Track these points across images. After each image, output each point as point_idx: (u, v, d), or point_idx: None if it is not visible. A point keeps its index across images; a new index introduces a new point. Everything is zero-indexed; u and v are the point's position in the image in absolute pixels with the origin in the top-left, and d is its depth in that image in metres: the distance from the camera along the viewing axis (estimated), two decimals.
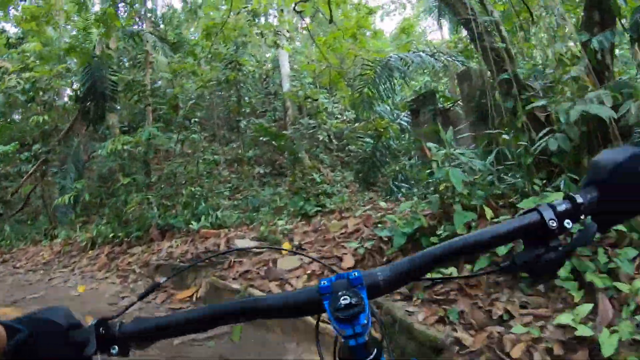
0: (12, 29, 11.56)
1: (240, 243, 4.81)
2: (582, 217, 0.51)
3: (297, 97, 8.69)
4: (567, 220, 0.50)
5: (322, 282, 0.52)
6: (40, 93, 8.38)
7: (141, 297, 0.63)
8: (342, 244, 3.89)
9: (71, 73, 9.21)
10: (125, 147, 6.73)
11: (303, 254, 4.05)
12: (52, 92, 8.63)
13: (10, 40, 10.73)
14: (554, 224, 0.50)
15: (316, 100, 8.35)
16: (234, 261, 4.14)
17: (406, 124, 8.01)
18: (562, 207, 0.51)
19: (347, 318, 0.47)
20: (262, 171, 8.88)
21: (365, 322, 0.48)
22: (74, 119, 8.22)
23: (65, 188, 7.75)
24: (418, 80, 11.64)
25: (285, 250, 4.57)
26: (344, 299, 0.48)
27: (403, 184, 6.48)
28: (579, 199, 0.51)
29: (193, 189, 6.36)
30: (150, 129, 6.93)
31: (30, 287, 5.38)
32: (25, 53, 9.04)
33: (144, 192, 6.35)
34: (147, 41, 8.63)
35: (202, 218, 5.76)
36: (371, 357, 0.48)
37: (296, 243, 4.34)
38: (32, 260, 6.80)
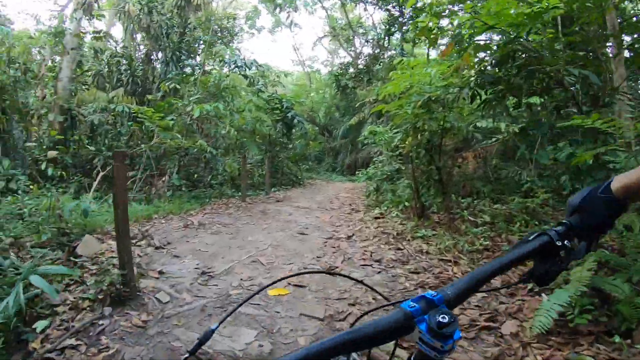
0: None
1: None
2: (574, 237, 0.66)
3: None
4: (566, 241, 0.65)
5: (406, 306, 0.54)
6: None
7: (193, 351, 0.59)
8: None
9: None
10: None
11: None
12: None
13: None
14: (559, 244, 0.64)
15: None
16: None
17: None
18: (561, 230, 0.66)
19: (449, 334, 0.50)
20: None
21: (461, 336, 0.51)
22: None
23: None
24: None
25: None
26: (442, 318, 0.51)
27: None
28: (571, 224, 0.67)
29: None
30: None
31: None
32: None
33: None
34: None
35: None
36: None
37: None
38: None
